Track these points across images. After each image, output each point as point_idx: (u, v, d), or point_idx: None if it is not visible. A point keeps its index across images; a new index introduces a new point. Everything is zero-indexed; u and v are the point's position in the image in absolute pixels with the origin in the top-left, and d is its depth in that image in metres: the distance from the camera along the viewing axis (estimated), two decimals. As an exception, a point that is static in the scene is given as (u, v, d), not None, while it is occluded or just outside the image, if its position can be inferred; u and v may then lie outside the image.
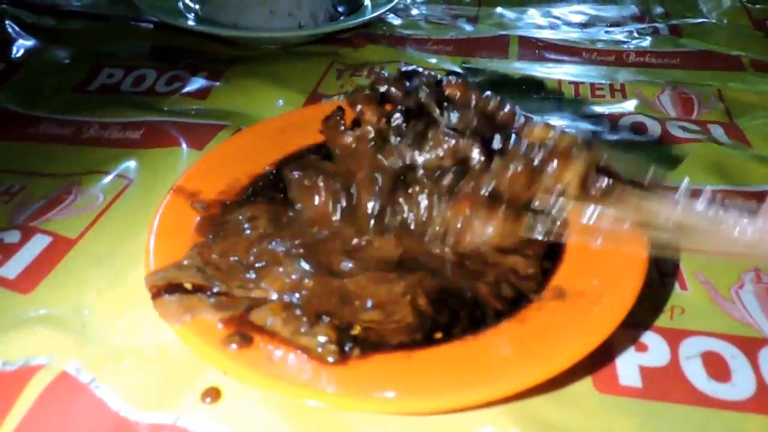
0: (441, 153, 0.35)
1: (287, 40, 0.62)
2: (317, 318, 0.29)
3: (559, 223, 0.33)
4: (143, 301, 0.31)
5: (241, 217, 0.36)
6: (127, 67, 0.57)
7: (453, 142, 0.34)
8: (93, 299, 0.34)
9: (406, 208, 0.34)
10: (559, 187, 0.33)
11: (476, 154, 0.34)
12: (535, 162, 0.33)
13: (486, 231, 0.33)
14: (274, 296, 0.31)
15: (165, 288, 0.31)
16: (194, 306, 0.30)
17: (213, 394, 0.28)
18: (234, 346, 0.28)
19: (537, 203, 0.33)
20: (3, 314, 0.33)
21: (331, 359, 0.27)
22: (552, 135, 0.34)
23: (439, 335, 0.29)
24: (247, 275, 0.32)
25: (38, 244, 0.37)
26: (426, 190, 0.34)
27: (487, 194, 0.33)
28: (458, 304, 0.31)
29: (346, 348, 0.28)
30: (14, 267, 0.35)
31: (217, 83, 0.54)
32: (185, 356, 0.30)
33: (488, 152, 0.34)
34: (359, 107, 0.37)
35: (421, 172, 0.35)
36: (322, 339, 0.28)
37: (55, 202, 0.40)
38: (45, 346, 0.31)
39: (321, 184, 0.36)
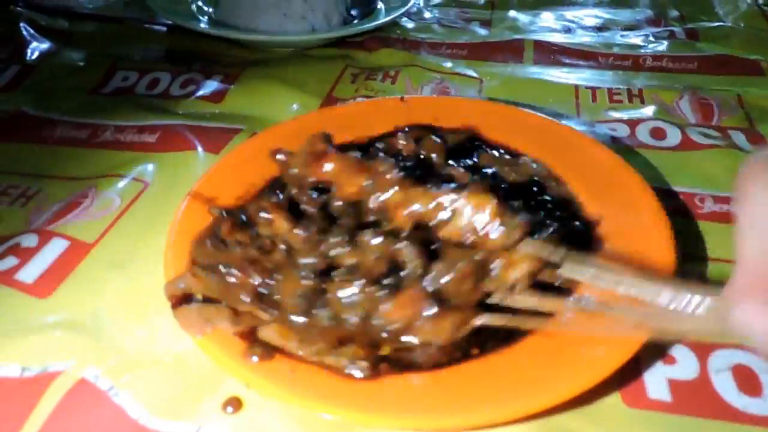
0: (372, 258, 0.31)
1: (301, 43, 0.62)
2: (340, 342, 0.29)
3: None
4: (161, 308, 0.31)
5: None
6: (141, 69, 0.57)
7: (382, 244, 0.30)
8: (110, 304, 0.34)
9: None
10: (508, 283, 0.30)
11: (413, 257, 0.30)
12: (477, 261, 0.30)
13: (434, 334, 0.29)
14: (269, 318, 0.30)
15: (184, 297, 0.31)
16: (212, 316, 0.30)
17: (234, 403, 0.28)
18: (255, 358, 0.27)
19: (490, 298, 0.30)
20: (21, 319, 0.32)
21: (362, 374, 0.27)
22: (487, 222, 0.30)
23: (475, 351, 0.29)
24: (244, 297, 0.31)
25: (56, 248, 0.36)
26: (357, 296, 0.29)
27: (428, 302, 0.29)
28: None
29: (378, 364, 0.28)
30: (32, 271, 0.35)
31: (232, 86, 0.54)
32: (204, 365, 0.29)
33: (426, 254, 0.30)
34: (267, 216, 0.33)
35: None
36: (349, 358, 0.28)
37: (72, 206, 0.40)
38: (63, 353, 0.31)
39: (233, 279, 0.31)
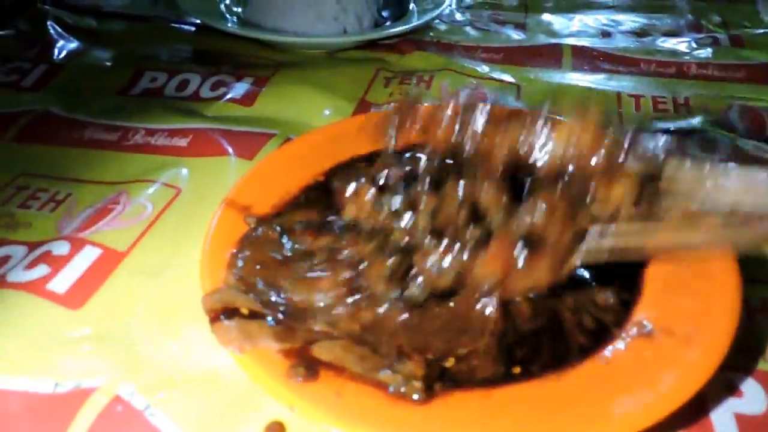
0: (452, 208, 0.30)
1: (332, 45, 0.61)
2: (399, 354, 0.27)
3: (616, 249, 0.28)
4: (196, 321, 0.29)
5: (281, 231, 0.34)
6: (170, 70, 0.56)
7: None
8: (143, 316, 0.32)
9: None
10: (608, 211, 0.28)
11: (494, 199, 0.29)
12: (572, 191, 0.28)
13: (530, 282, 0.28)
14: (335, 332, 0.29)
15: (222, 312, 0.30)
16: (254, 333, 0.28)
17: (276, 428, 0.27)
18: (299, 378, 0.26)
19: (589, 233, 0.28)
20: (53, 332, 0.31)
21: (416, 397, 0.25)
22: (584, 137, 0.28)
23: (517, 370, 0.27)
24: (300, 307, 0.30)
25: (88, 256, 0.35)
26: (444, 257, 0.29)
27: (521, 246, 0.28)
28: (540, 336, 0.29)
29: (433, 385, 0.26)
30: (64, 281, 0.34)
31: (263, 89, 0.53)
32: (244, 384, 0.28)
33: (512, 191, 0.29)
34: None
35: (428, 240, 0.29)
36: (405, 376, 0.26)
37: (103, 212, 0.39)
38: (96, 368, 0.29)
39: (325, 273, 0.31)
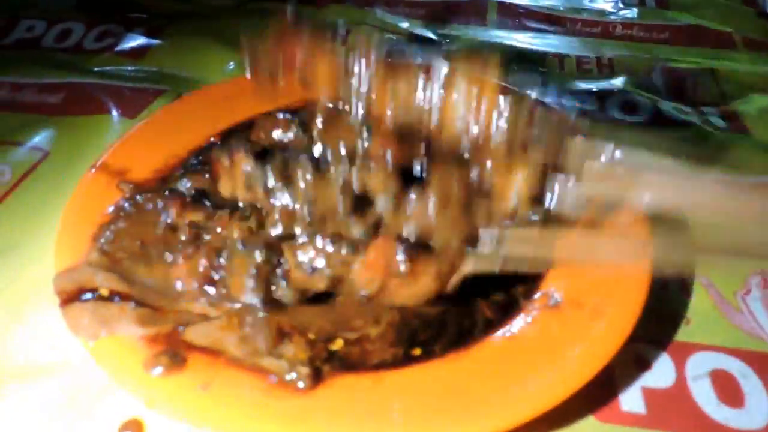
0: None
1: (241, -5, 0.55)
2: (281, 336, 0.24)
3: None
4: (49, 305, 0.25)
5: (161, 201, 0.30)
6: (50, 19, 0.49)
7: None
8: (-10, 301, 0.28)
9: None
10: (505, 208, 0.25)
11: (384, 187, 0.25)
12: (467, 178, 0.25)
13: (414, 291, 0.25)
14: (214, 312, 0.25)
15: (77, 293, 0.25)
16: (112, 317, 0.24)
17: (134, 427, 0.23)
18: (159, 369, 0.22)
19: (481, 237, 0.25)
20: None
21: (302, 384, 0.22)
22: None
23: (417, 351, 0.25)
24: (175, 284, 0.26)
25: None
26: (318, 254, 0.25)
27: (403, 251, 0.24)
28: (446, 312, 0.26)
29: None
30: None
31: (157, 41, 0.47)
32: (100, 377, 0.24)
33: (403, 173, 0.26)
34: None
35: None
36: (289, 361, 0.23)
37: (-51, 179, 0.33)
38: None
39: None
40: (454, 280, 0.25)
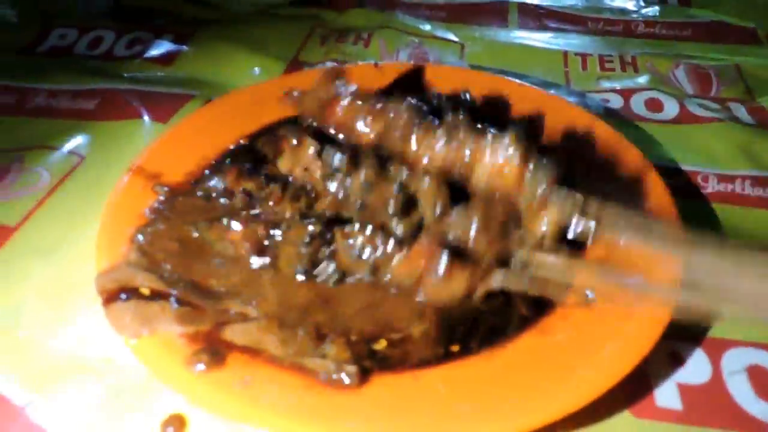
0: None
1: (265, 0, 0.56)
2: (319, 337, 0.25)
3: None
4: (93, 305, 0.26)
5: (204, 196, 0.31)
6: (82, 27, 0.50)
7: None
8: (34, 301, 0.29)
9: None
10: (534, 238, 0.28)
11: (433, 196, 0.28)
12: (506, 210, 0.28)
13: (444, 293, 0.27)
14: (254, 313, 0.26)
15: (118, 292, 0.26)
16: (154, 316, 0.25)
17: (176, 423, 0.23)
18: (201, 365, 0.23)
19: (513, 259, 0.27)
20: None
21: (348, 381, 0.23)
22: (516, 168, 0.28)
23: (456, 348, 0.25)
24: (215, 283, 0.27)
25: (-31, 234, 0.31)
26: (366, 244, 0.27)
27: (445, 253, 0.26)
28: (482, 310, 0.27)
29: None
30: (-61, 262, 0.29)
31: (185, 47, 0.48)
32: (143, 374, 0.25)
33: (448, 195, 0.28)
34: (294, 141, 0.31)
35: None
36: (334, 360, 0.24)
37: (-9, 183, 0.34)
38: (-26, 357, 0.26)
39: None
40: (480, 291, 0.27)
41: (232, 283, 0.27)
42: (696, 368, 0.26)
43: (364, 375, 0.23)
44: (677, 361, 0.27)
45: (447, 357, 0.25)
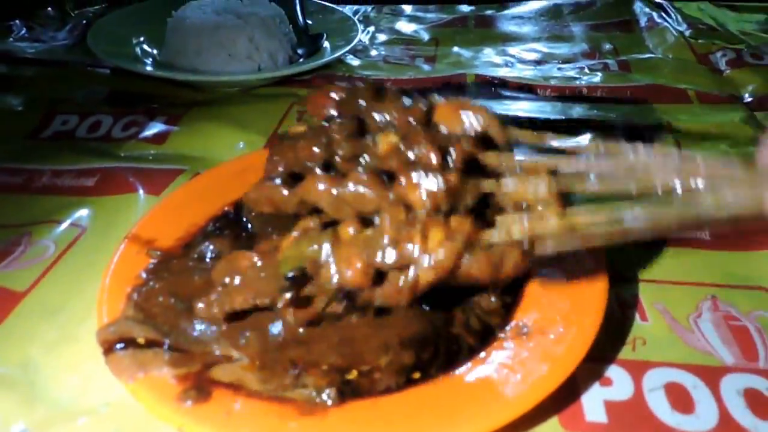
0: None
1: (246, 82, 0.62)
2: (293, 368, 0.29)
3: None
4: (95, 356, 0.30)
5: (194, 257, 0.35)
6: (82, 113, 0.56)
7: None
8: (42, 355, 0.32)
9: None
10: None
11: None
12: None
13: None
14: (236, 354, 0.30)
15: (117, 342, 0.30)
16: (148, 361, 0.29)
17: (169, 454, 0.27)
18: (189, 402, 0.27)
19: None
20: (-56, 376, 0.31)
21: (330, 402, 0.27)
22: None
23: (417, 375, 0.29)
24: (201, 331, 0.31)
25: (-16, 299, 0.35)
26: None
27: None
28: (438, 340, 0.31)
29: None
30: (-43, 325, 0.33)
31: (176, 127, 0.54)
32: (141, 415, 0.28)
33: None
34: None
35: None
36: (315, 388, 0.28)
37: (3, 254, 0.38)
38: (-11, 409, 0.29)
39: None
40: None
41: (217, 329, 0.31)
42: (620, 387, 0.30)
43: (342, 397, 0.27)
44: (605, 382, 0.30)
45: (409, 383, 0.29)
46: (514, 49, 0.74)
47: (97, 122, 0.55)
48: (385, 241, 0.26)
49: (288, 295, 0.28)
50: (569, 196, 0.27)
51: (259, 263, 0.30)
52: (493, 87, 0.63)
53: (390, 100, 0.31)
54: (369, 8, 0.87)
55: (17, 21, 0.76)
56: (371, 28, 0.79)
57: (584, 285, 0.32)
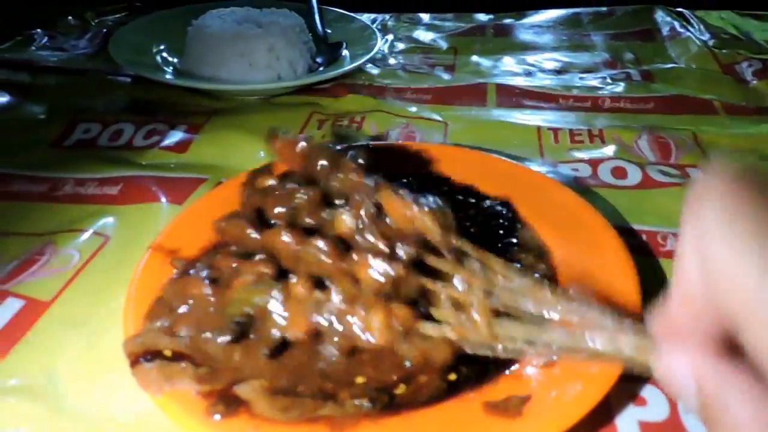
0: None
1: (267, 91, 0.62)
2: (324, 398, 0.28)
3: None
4: (120, 367, 0.29)
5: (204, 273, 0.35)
6: (104, 121, 0.56)
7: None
8: (67, 366, 0.32)
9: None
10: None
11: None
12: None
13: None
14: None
15: (144, 354, 0.30)
16: (175, 374, 0.28)
17: (196, 469, 0.27)
18: (217, 416, 0.26)
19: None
20: (-29, 386, 0.31)
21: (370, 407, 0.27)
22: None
23: (452, 377, 0.29)
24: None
25: (10, 308, 0.35)
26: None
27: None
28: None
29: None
30: (-17, 334, 0.33)
31: (197, 136, 0.54)
32: (167, 427, 0.28)
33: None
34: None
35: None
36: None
37: (28, 263, 0.38)
38: (16, 419, 0.29)
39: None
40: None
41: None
42: (655, 408, 0.29)
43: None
44: (639, 402, 0.30)
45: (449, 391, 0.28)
46: (533, 58, 0.73)
47: (119, 131, 0.55)
48: (331, 308, 0.29)
49: (227, 338, 0.29)
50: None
51: (210, 297, 0.31)
52: (515, 97, 0.62)
53: (346, 169, 0.33)
54: (387, 16, 0.87)
55: (39, 30, 0.77)
56: (389, 37, 0.79)
57: (615, 303, 0.32)
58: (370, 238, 0.29)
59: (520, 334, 0.27)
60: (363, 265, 0.28)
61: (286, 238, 0.30)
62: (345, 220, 0.30)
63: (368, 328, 0.28)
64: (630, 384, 0.30)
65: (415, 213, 0.29)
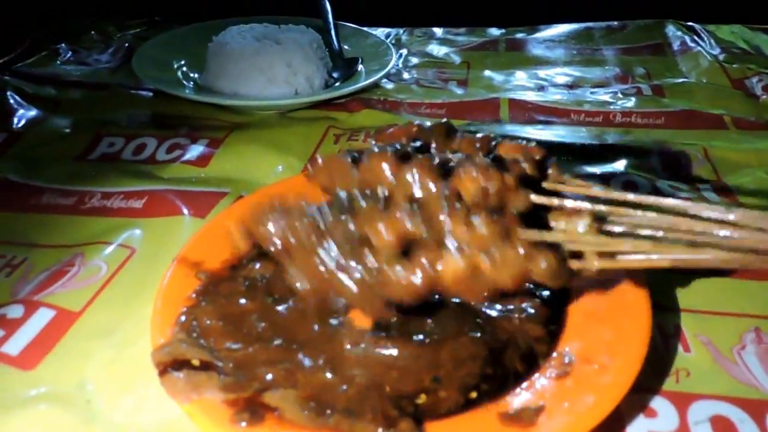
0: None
1: (284, 106, 0.64)
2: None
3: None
4: (149, 376, 0.31)
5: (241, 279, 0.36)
6: (127, 135, 0.58)
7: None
8: (97, 375, 0.33)
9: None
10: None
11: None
12: None
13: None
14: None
15: (172, 364, 0.31)
16: (202, 383, 0.30)
17: (223, 475, 0.28)
18: (243, 423, 0.28)
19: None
20: (5, 393, 0.32)
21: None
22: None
23: (474, 395, 0.30)
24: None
25: (42, 318, 0.36)
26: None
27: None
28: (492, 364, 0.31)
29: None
30: (17, 343, 0.35)
31: (217, 150, 0.55)
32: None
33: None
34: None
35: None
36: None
37: (58, 274, 0.40)
38: (48, 426, 0.31)
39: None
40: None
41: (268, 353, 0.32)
42: (665, 419, 0.30)
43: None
44: (649, 414, 0.31)
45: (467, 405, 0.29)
46: (545, 73, 0.75)
47: (142, 144, 0.56)
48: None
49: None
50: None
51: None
52: (527, 111, 0.63)
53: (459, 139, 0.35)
54: (401, 30, 0.88)
55: (63, 44, 0.79)
56: (403, 51, 0.81)
57: (627, 314, 0.33)
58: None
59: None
60: (468, 174, 0.29)
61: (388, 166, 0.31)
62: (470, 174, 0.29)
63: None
64: (641, 395, 0.31)
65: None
